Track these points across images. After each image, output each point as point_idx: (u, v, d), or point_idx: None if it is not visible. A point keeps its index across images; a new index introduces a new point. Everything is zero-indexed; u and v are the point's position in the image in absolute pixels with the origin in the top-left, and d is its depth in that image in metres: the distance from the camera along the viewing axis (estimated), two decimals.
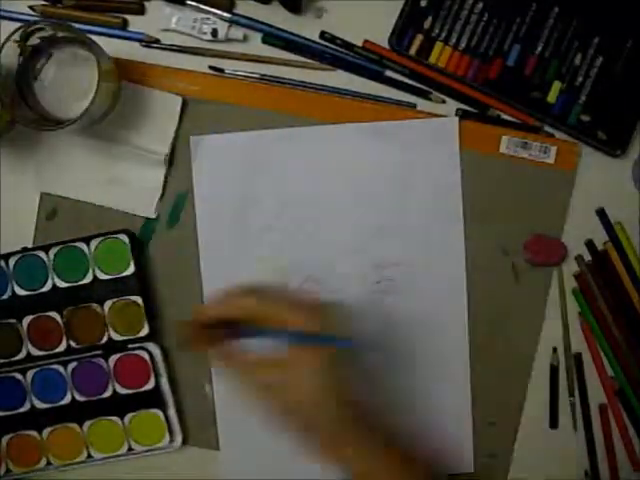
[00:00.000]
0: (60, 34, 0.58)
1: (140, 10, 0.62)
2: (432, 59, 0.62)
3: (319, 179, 0.62)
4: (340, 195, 0.62)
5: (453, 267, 0.62)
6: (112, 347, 0.61)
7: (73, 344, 0.61)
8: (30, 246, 0.62)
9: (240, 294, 0.47)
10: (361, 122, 0.61)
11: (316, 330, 0.42)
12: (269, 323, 0.44)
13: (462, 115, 0.62)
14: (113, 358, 0.61)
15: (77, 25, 0.59)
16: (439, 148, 0.62)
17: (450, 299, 0.62)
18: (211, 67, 0.62)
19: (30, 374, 0.61)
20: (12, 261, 0.61)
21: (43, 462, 0.62)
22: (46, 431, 0.61)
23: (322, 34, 0.62)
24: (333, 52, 0.62)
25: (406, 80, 0.63)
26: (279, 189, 0.62)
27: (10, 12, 0.61)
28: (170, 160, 0.62)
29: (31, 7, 0.61)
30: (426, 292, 0.62)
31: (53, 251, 0.61)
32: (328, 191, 0.62)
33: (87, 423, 0.61)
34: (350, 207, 0.62)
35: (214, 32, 0.61)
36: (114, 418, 0.61)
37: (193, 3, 0.61)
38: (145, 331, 0.61)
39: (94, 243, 0.61)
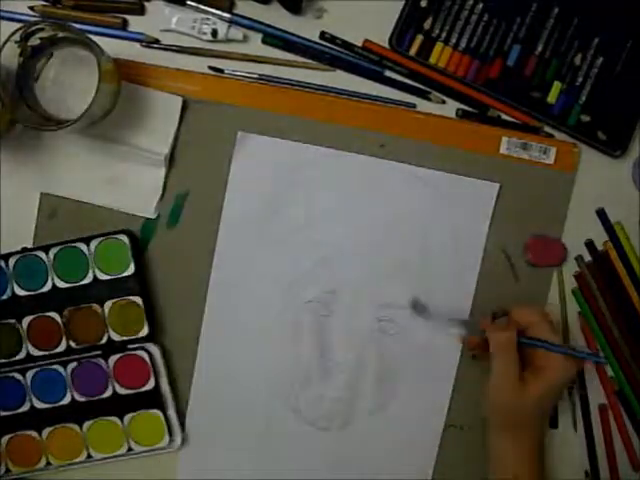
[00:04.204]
0: (60, 34, 0.58)
1: (140, 10, 0.62)
2: (432, 59, 0.62)
3: (348, 206, 0.62)
4: (365, 227, 0.62)
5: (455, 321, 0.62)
6: (112, 347, 0.61)
7: (73, 344, 0.61)
8: (30, 246, 0.62)
9: (527, 312, 0.58)
10: (408, 164, 0.61)
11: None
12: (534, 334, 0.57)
13: (462, 115, 0.62)
14: (113, 358, 0.61)
15: (77, 25, 0.59)
16: (475, 208, 0.62)
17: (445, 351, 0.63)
18: (211, 67, 0.62)
19: (30, 374, 0.61)
20: (12, 261, 0.61)
21: (43, 462, 0.62)
22: (46, 431, 0.61)
23: (322, 34, 0.62)
24: (333, 52, 0.62)
25: (406, 80, 0.63)
26: (308, 206, 0.62)
27: (10, 12, 0.61)
28: (170, 160, 0.62)
29: (31, 7, 0.61)
30: (422, 344, 0.62)
31: (53, 251, 0.61)
32: (354, 220, 0.62)
33: (87, 423, 0.61)
34: (372, 242, 0.62)
35: (214, 32, 0.61)
36: (114, 418, 0.61)
37: (193, 3, 0.61)
38: (145, 331, 0.61)
39: (94, 243, 0.61)
